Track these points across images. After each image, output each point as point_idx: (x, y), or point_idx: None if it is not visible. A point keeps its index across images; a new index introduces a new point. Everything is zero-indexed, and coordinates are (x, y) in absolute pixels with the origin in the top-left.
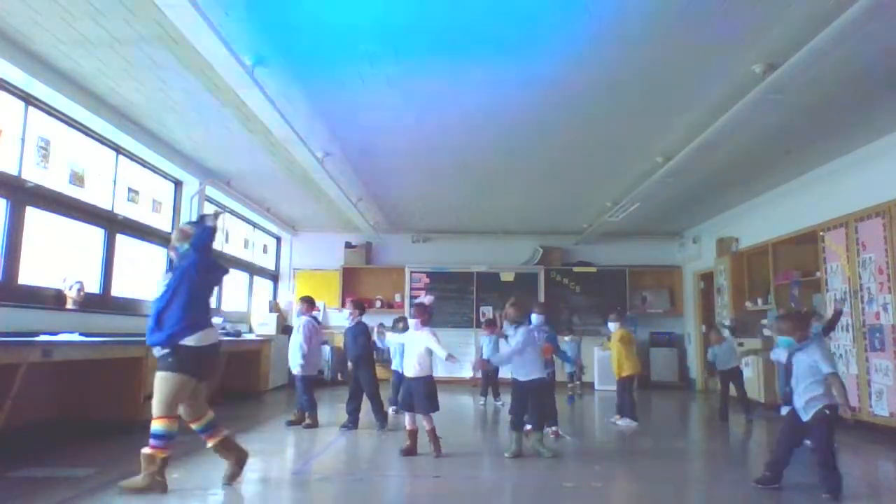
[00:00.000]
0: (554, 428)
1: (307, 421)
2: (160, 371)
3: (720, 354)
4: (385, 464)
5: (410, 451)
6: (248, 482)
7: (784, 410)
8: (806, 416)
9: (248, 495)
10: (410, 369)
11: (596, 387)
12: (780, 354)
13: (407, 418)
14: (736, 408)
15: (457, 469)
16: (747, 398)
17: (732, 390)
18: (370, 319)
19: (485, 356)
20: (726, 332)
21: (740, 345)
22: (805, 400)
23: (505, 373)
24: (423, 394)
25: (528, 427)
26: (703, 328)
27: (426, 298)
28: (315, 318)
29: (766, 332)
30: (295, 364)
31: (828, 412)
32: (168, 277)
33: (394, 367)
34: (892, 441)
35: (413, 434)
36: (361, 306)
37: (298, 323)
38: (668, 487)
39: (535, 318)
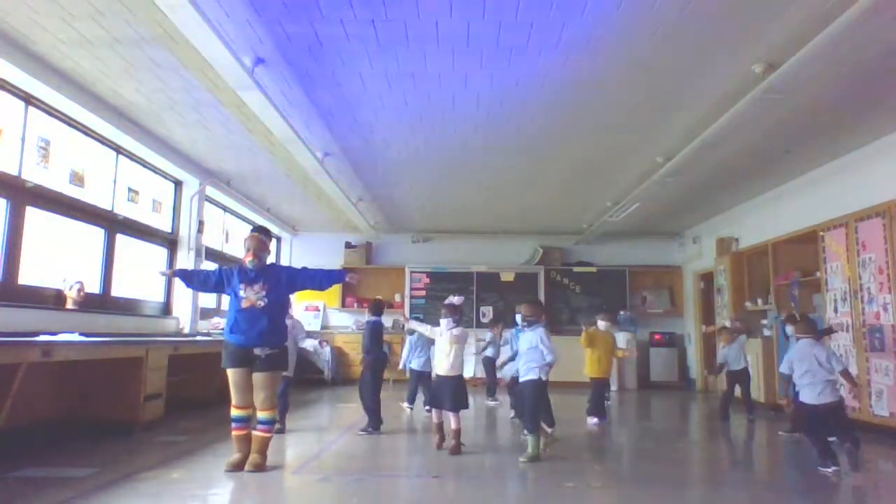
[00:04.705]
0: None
1: (277, 425)
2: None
3: (730, 355)
4: (385, 464)
5: (440, 444)
6: (249, 482)
7: None
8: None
9: (248, 495)
10: (441, 367)
11: None
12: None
13: (434, 413)
14: (737, 408)
15: (457, 469)
16: (751, 399)
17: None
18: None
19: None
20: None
21: None
22: None
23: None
24: (452, 392)
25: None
26: (703, 328)
27: (456, 299)
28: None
29: (766, 332)
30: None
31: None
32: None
33: (411, 365)
34: (892, 441)
35: (439, 427)
36: (379, 306)
37: (290, 323)
38: (668, 487)
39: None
